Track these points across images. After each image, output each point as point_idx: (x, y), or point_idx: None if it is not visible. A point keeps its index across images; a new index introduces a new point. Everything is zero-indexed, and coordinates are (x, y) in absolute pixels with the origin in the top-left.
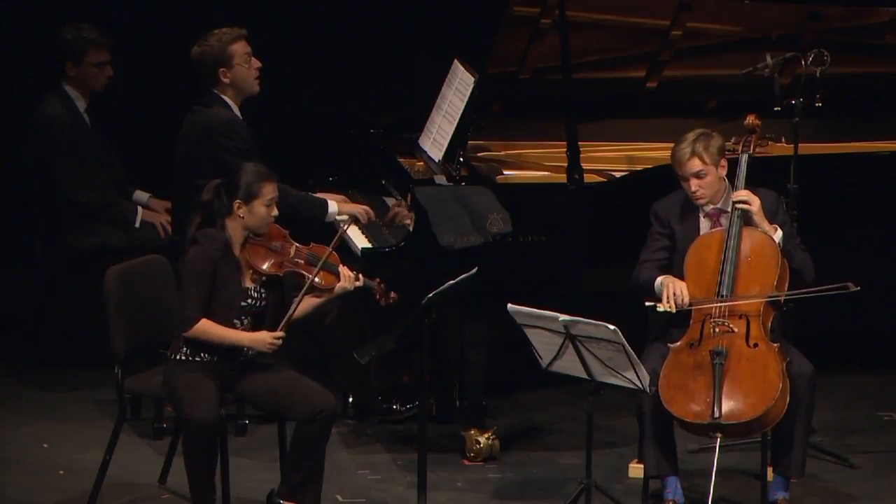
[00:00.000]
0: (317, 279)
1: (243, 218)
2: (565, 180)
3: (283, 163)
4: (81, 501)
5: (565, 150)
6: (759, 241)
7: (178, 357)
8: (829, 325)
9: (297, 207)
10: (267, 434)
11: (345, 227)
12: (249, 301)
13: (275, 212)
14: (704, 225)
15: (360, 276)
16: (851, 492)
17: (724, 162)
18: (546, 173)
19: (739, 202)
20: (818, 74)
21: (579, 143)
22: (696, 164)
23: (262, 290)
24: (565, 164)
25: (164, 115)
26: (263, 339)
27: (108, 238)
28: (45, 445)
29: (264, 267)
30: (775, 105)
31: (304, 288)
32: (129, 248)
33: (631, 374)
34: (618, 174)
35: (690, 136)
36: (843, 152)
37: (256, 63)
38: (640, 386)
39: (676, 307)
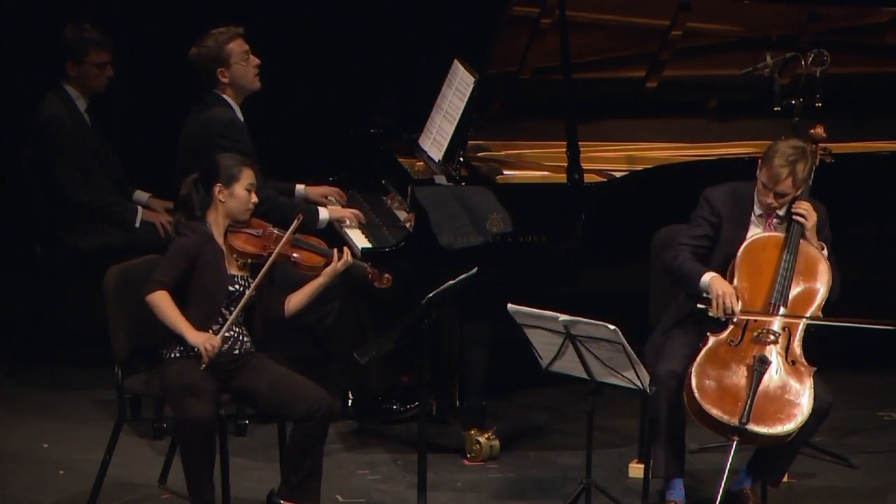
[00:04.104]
0: (295, 255)
1: (224, 202)
2: (565, 180)
3: (282, 163)
4: (81, 501)
5: (565, 150)
6: (815, 258)
7: (172, 355)
8: (829, 325)
9: (286, 215)
10: (267, 434)
11: (298, 223)
12: (237, 287)
13: (255, 198)
14: (756, 223)
15: (351, 256)
16: (851, 492)
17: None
18: (546, 173)
19: (798, 214)
20: (818, 74)
21: (579, 143)
22: (786, 186)
23: (250, 280)
24: (565, 164)
25: (164, 115)
26: (203, 340)
27: (108, 238)
28: (45, 445)
29: (248, 249)
30: (775, 105)
31: (267, 264)
32: (129, 248)
33: (631, 374)
34: (618, 174)
35: (791, 151)
36: (844, 152)
37: (255, 60)
38: (640, 386)
39: (724, 316)
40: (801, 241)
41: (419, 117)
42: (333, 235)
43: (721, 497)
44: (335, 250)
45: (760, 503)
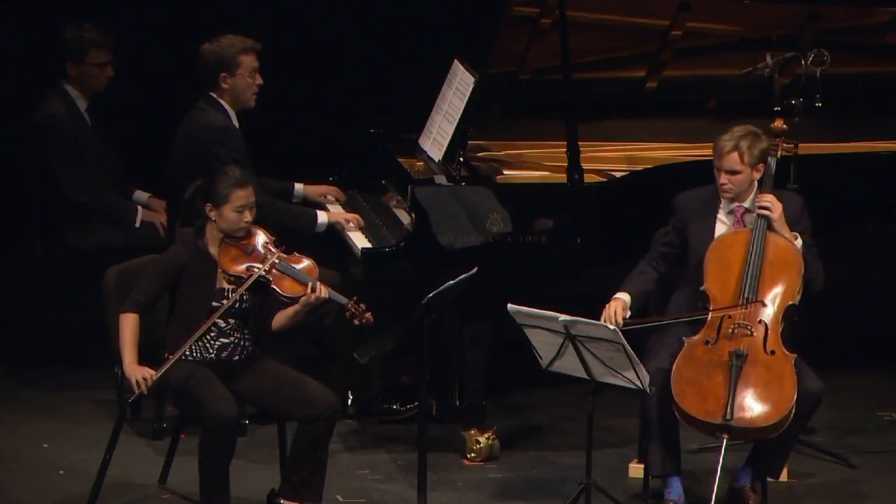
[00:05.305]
0: (276, 282)
1: (215, 221)
2: (565, 180)
3: (282, 163)
4: (81, 501)
5: (565, 150)
6: (784, 248)
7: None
8: (830, 326)
9: (283, 220)
10: (267, 434)
11: (256, 273)
12: (224, 302)
13: (247, 217)
14: (724, 221)
15: (331, 291)
16: (851, 492)
17: (761, 166)
18: (546, 173)
19: (762, 207)
20: (818, 74)
21: (579, 143)
22: (733, 160)
23: (245, 293)
24: (565, 164)
25: (164, 115)
26: (134, 372)
27: (108, 238)
28: (45, 445)
29: (231, 267)
30: (775, 105)
31: (238, 291)
32: (129, 248)
33: (631, 374)
34: (618, 174)
35: (739, 130)
36: (844, 152)
37: (259, 80)
38: (640, 386)
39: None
40: (767, 232)
41: (419, 117)
42: (335, 237)
43: (715, 497)
44: (309, 284)
45: (761, 501)
